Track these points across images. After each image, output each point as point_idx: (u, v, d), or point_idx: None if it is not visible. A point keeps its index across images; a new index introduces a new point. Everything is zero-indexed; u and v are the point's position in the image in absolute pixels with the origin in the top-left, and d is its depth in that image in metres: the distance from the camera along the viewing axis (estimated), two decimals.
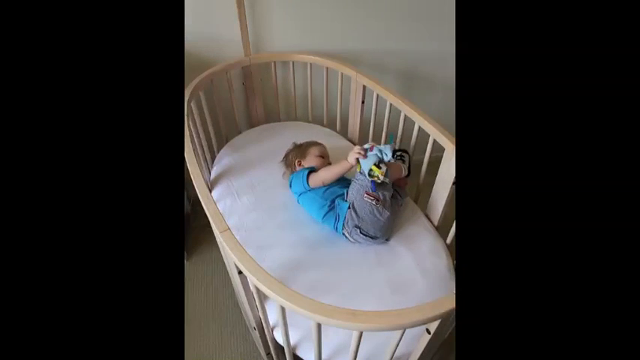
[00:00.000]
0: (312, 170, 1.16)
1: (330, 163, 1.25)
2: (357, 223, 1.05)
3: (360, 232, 1.05)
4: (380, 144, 1.38)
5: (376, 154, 1.08)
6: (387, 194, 1.09)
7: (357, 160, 1.08)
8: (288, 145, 1.35)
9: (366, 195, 1.05)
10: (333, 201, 1.12)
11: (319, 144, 1.31)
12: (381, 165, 1.06)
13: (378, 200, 1.05)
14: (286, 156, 1.32)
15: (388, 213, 1.06)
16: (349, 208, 1.06)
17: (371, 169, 1.05)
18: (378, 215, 1.05)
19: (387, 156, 1.08)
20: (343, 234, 1.09)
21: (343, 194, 1.12)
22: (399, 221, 1.15)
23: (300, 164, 1.25)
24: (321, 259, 1.05)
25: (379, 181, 1.06)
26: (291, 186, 1.20)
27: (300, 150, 1.29)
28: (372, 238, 1.06)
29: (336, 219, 1.09)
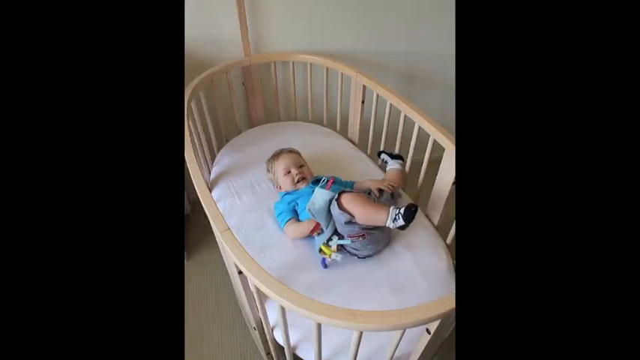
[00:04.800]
0: (289, 218, 1.10)
1: (302, 166, 1.21)
2: (353, 252, 1.03)
3: (359, 258, 1.04)
4: (381, 147, 1.39)
5: (331, 230, 1.00)
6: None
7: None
8: (288, 145, 1.34)
9: (350, 238, 0.99)
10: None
11: (285, 154, 1.23)
12: (330, 243, 0.99)
13: (363, 236, 0.99)
14: (267, 170, 1.28)
15: (380, 231, 1.01)
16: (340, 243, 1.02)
17: (320, 248, 0.99)
18: (370, 242, 1.01)
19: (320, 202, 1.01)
20: None
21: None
22: None
23: (278, 187, 1.22)
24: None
25: (330, 260, 0.99)
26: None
27: (270, 167, 1.24)
28: (371, 257, 1.05)
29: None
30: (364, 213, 0.96)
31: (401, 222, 0.90)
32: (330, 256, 0.98)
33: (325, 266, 1.01)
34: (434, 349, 0.81)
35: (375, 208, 0.97)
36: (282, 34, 1.48)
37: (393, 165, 1.25)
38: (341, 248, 1.02)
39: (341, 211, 0.96)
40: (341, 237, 1.00)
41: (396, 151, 1.32)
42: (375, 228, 0.99)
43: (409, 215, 0.90)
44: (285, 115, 1.67)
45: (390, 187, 1.14)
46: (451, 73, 1.59)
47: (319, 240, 1.02)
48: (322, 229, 1.02)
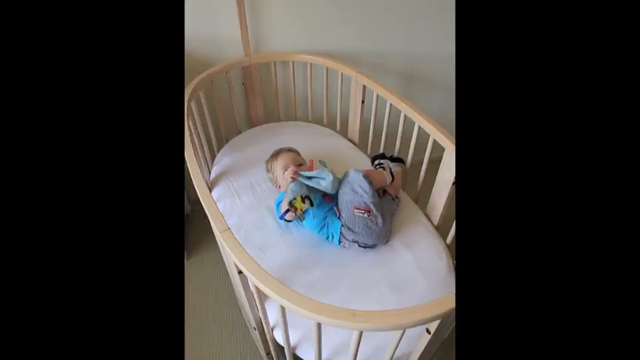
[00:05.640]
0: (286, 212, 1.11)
1: (301, 165, 1.21)
2: (354, 237, 1.03)
3: (359, 245, 1.04)
4: (380, 147, 1.39)
5: (302, 185, 1.03)
6: (378, 202, 1.05)
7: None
8: (288, 145, 1.34)
9: (356, 210, 1.02)
10: (325, 218, 1.08)
11: (284, 153, 1.24)
12: (306, 199, 1.00)
13: (369, 212, 1.02)
14: (267, 170, 1.28)
15: (383, 220, 1.04)
16: (342, 225, 1.04)
17: (294, 199, 1.00)
18: (373, 226, 1.03)
19: (324, 182, 1.04)
20: (342, 246, 1.07)
21: (333, 208, 1.08)
22: (399, 221, 1.15)
23: (278, 186, 1.22)
24: (321, 258, 1.05)
25: (293, 215, 1.02)
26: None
27: (269, 167, 1.25)
28: (371, 247, 1.06)
29: (331, 236, 1.06)
30: (374, 174, 1.13)
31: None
32: (297, 211, 1.01)
33: (281, 218, 1.06)
34: (434, 349, 0.81)
35: (378, 171, 1.18)
36: (282, 34, 1.48)
37: (393, 168, 1.25)
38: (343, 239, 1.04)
39: (356, 170, 1.06)
40: (311, 203, 1.03)
41: (396, 152, 1.32)
42: (379, 211, 1.03)
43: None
44: (285, 115, 1.67)
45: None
46: (451, 73, 1.59)
47: (295, 191, 1.02)
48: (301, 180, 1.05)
